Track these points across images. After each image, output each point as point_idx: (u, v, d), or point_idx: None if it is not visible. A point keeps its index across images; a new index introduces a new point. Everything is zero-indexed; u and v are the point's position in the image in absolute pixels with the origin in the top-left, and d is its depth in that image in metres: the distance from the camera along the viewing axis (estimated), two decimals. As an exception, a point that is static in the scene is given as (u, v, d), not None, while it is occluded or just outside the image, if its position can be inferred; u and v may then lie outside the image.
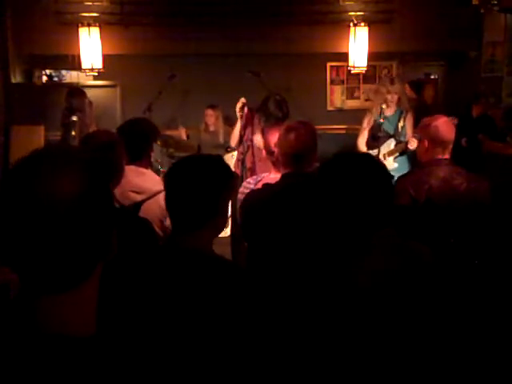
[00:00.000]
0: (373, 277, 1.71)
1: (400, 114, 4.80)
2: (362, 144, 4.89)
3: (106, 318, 1.44)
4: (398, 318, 1.71)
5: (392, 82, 4.83)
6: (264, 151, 3.04)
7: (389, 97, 4.75)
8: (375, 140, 4.81)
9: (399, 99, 4.81)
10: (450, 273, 2.60)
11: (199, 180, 1.67)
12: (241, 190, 2.98)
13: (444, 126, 3.03)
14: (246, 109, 4.83)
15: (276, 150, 2.74)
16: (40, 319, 0.90)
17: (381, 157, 4.77)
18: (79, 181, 0.89)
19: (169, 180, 1.73)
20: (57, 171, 0.88)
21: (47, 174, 0.87)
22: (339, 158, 1.84)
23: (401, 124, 4.71)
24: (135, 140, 2.79)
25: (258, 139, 4.78)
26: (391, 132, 4.79)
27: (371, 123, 4.79)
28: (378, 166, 1.82)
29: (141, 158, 2.85)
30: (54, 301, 0.90)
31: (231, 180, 1.81)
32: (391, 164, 4.72)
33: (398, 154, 4.71)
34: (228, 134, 6.34)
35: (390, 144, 4.77)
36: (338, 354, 1.66)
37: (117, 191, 2.45)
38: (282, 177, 2.64)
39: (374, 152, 4.77)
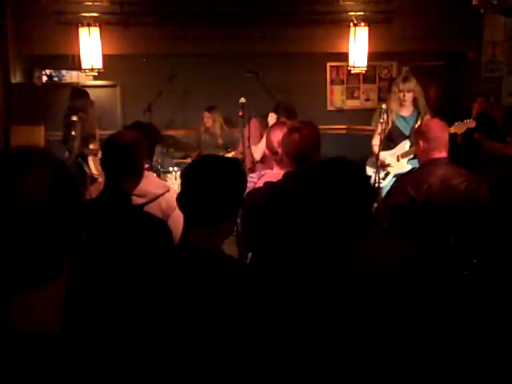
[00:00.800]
0: (371, 276, 1.73)
1: (418, 114, 4.58)
2: (376, 146, 4.59)
3: (97, 314, 1.44)
4: (394, 316, 1.72)
5: (404, 81, 4.56)
6: (267, 151, 3.04)
7: (401, 95, 4.52)
8: (390, 140, 4.61)
9: (415, 99, 4.56)
10: (436, 270, 2.62)
11: (219, 177, 1.68)
12: None
13: (434, 123, 3.13)
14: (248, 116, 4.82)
15: (279, 149, 2.75)
16: (6, 316, 0.91)
17: (394, 158, 4.58)
18: (46, 182, 0.91)
19: (188, 175, 1.74)
20: (24, 172, 0.90)
21: (14, 175, 0.90)
22: (315, 167, 1.86)
23: (418, 125, 4.39)
24: None
25: (254, 149, 4.76)
26: (407, 133, 4.56)
27: (384, 125, 4.47)
28: (354, 171, 1.83)
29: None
30: (21, 298, 0.92)
31: (246, 184, 1.84)
32: (404, 166, 4.51)
33: (412, 155, 4.40)
34: (228, 135, 6.34)
35: (405, 145, 4.56)
36: (340, 353, 1.67)
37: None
38: (284, 176, 2.65)
39: (388, 153, 4.58)
